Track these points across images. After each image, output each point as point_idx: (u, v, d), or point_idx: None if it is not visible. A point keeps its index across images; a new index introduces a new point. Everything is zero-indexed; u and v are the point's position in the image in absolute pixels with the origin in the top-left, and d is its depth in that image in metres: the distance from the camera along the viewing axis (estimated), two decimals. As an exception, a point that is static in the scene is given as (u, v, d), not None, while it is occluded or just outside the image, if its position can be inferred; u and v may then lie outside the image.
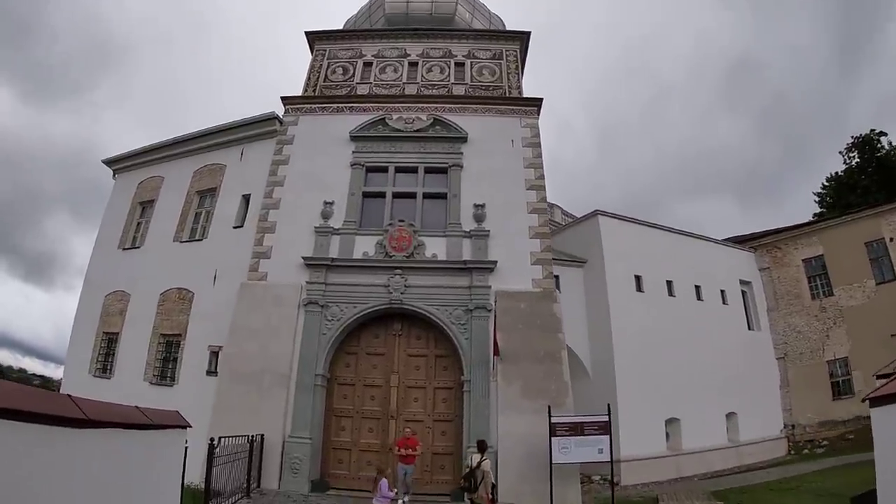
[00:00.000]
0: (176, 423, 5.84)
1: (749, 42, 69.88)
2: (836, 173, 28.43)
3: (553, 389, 12.81)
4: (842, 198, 26.92)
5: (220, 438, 9.78)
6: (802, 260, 21.79)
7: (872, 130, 27.51)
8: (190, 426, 5.95)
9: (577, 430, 11.90)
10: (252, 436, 11.63)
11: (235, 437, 10.55)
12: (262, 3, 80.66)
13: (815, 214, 26.95)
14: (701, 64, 72.52)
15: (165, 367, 15.42)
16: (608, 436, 11.92)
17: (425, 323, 14.02)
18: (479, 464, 9.82)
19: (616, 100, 75.93)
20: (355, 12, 21.38)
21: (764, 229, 23.60)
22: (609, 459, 11.81)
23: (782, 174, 62.55)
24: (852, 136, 28.19)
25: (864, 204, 22.67)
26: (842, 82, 64.10)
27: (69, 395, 3.57)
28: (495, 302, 13.39)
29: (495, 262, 13.97)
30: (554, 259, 15.03)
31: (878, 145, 27.19)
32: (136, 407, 4.96)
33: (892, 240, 19.89)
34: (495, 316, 13.16)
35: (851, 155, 28.05)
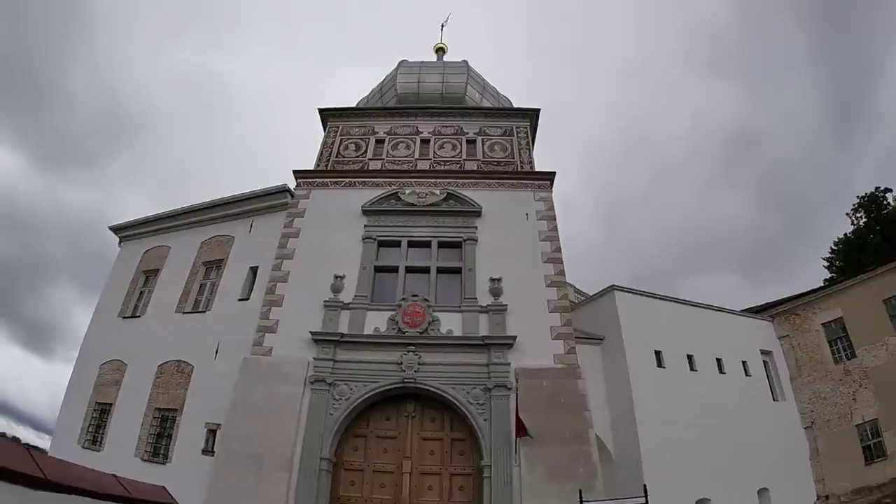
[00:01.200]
0: (161, 499, 4.91)
1: (746, 114, 71.24)
2: (846, 234, 27.88)
3: (581, 473, 11.65)
4: (852, 259, 26.22)
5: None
6: (822, 324, 20.83)
7: (878, 188, 27.28)
8: None
9: (611, 514, 10.70)
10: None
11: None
12: (278, 82, 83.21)
13: (825, 280, 26.23)
14: (700, 139, 73.77)
15: (159, 442, 14.24)
16: (647, 519, 10.68)
17: (440, 403, 12.99)
18: None
19: (619, 180, 76.88)
20: (367, 93, 21.48)
21: (777, 298, 22.75)
22: (651, 545, 10.54)
23: (787, 244, 62.31)
24: (857, 196, 27.99)
25: (877, 262, 21.95)
26: (839, 147, 64.91)
27: (27, 447, 2.68)
28: (517, 380, 12.39)
29: (514, 338, 13.11)
30: (571, 335, 14.08)
31: (885, 202, 26.75)
32: (114, 476, 4.07)
33: (911, 294, 19.08)
34: (517, 394, 12.13)
35: (858, 215, 27.59)
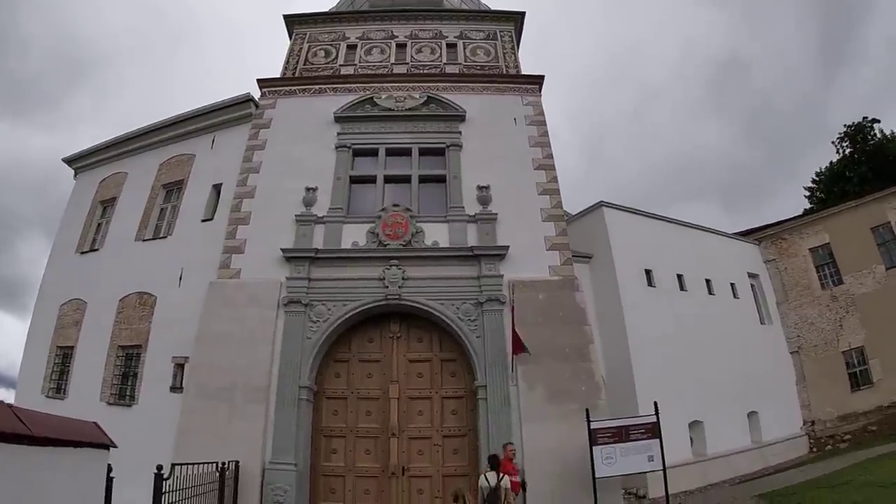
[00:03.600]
0: (82, 437, 3.14)
1: (735, 43, 67.89)
2: (830, 163, 26.38)
3: (583, 391, 10.18)
4: (835, 188, 24.94)
5: (173, 466, 6.95)
6: (809, 249, 19.74)
7: (865, 118, 25.67)
8: (114, 446, 3.30)
9: (621, 435, 9.39)
10: (223, 463, 8.74)
11: (201, 464, 7.78)
12: (248, 3, 76.14)
13: (806, 211, 24.92)
14: (687, 65, 70.09)
15: (124, 383, 12.37)
16: (658, 439, 9.40)
17: (428, 322, 11.30)
18: (498, 482, 7.54)
19: (602, 107, 73.18)
20: (336, 1, 18.93)
21: (763, 223, 21.48)
22: (662, 467, 9.23)
23: (767, 176, 60.65)
24: (844, 125, 26.30)
25: (862, 192, 20.74)
26: (824, 82, 62.59)
27: None
28: (513, 291, 10.69)
29: (506, 248, 11.35)
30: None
31: (872, 133, 25.33)
32: (9, 406, 2.33)
33: (898, 223, 18.07)
34: (512, 308, 10.48)
35: (844, 144, 26.13)
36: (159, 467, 6.82)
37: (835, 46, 61.29)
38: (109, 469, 3.70)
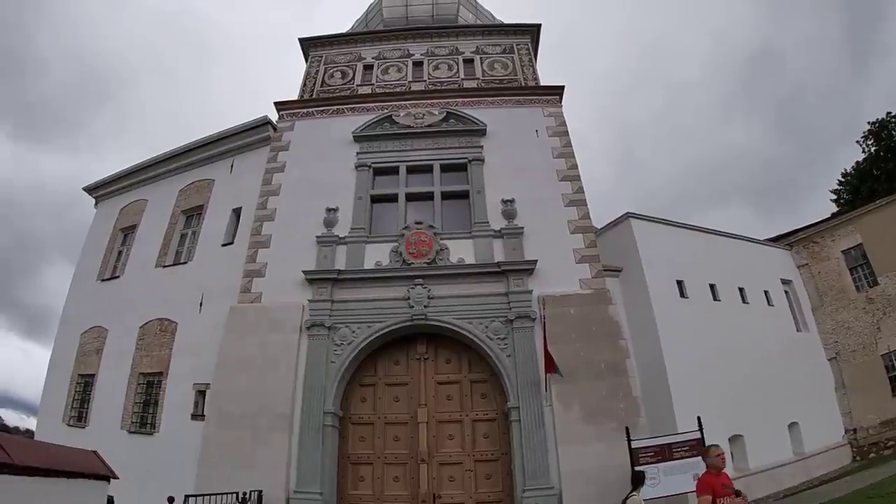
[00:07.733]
0: (85, 469, 2.80)
1: (762, 34, 66.00)
2: (857, 162, 25.38)
3: (621, 409, 9.66)
4: (863, 188, 23.86)
5: (186, 498, 6.59)
6: (841, 251, 18.90)
7: (889, 113, 24.60)
8: (114, 476, 2.92)
9: (663, 454, 8.82)
10: (245, 493, 8.40)
11: (222, 494, 7.49)
12: (264, 22, 77.06)
13: (833, 214, 23.99)
14: (715, 61, 68.10)
15: (145, 411, 12.08)
16: (703, 456, 8.74)
17: (455, 342, 10.85)
18: (624, 500, 7.32)
19: (630, 108, 72.00)
20: (351, 24, 18.91)
21: (791, 229, 20.71)
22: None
23: (800, 176, 58.85)
24: (868, 122, 25.27)
25: (891, 189, 19.89)
26: (854, 72, 60.66)
27: None
28: (543, 306, 10.19)
29: (535, 262, 10.90)
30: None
31: None
32: None
33: (932, 219, 17.26)
34: (544, 324, 9.96)
35: (869, 143, 25.14)
36: (170, 499, 6.46)
37: (862, 37, 59.79)
38: (110, 501, 3.32)
